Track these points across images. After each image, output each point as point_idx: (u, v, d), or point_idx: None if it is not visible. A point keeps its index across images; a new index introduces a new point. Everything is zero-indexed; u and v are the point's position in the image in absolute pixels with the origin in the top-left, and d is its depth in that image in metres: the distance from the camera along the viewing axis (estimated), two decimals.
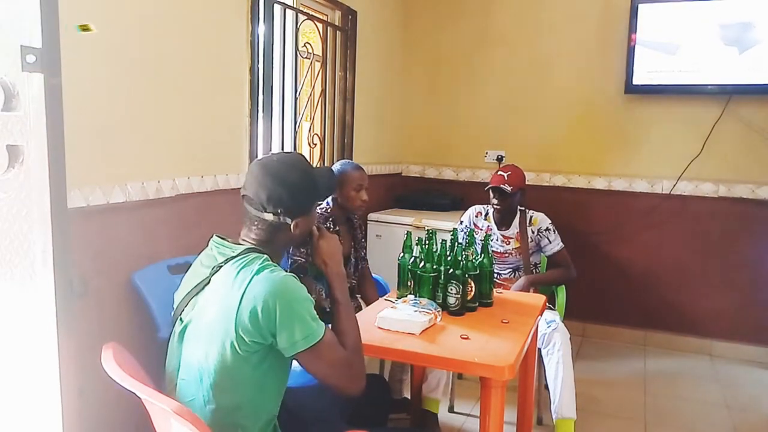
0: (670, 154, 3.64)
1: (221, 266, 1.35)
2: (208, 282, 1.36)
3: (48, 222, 1.19)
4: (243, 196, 1.45)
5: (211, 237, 1.48)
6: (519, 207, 2.86)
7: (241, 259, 1.34)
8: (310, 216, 1.48)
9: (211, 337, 1.29)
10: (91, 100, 1.81)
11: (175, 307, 1.44)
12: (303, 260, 2.25)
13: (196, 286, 1.38)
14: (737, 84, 3.39)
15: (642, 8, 3.50)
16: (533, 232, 2.81)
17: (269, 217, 1.40)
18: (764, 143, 3.45)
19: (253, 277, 1.29)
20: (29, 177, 1.19)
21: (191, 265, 1.48)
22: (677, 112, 3.62)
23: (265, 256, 1.37)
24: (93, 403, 1.65)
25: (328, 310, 1.62)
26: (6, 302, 1.26)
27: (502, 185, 2.73)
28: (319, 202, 1.49)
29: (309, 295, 1.33)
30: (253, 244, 1.42)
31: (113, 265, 1.96)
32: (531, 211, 2.87)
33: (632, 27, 3.53)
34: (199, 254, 1.49)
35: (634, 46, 3.54)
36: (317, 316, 1.33)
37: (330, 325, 1.40)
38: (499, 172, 2.80)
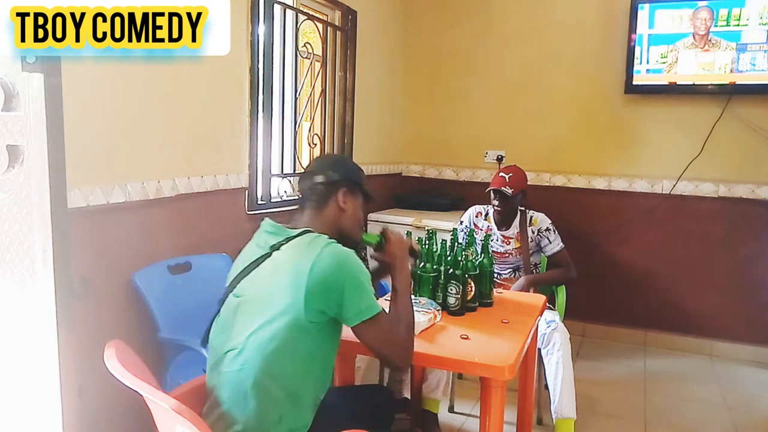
0: (670, 154, 3.64)
1: (282, 244, 1.43)
2: (267, 257, 1.42)
3: (48, 222, 1.19)
4: (300, 178, 1.59)
5: (263, 220, 1.56)
6: (519, 207, 2.85)
7: (304, 236, 1.43)
8: (356, 198, 1.59)
9: (276, 305, 1.35)
10: (91, 100, 1.81)
11: (227, 283, 1.50)
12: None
13: (253, 262, 1.44)
14: (737, 84, 3.39)
15: (642, 8, 3.50)
16: (533, 233, 2.81)
17: (319, 178, 1.53)
18: (764, 143, 3.45)
19: (322, 250, 1.37)
20: (29, 177, 1.19)
21: (243, 250, 1.56)
22: (677, 112, 3.62)
23: (326, 235, 1.45)
24: (93, 403, 1.65)
25: None
26: (6, 302, 1.26)
27: (503, 188, 2.72)
28: (365, 197, 1.65)
29: (366, 270, 1.44)
30: (306, 223, 1.51)
31: (113, 265, 1.96)
32: (531, 211, 2.86)
33: (632, 27, 3.53)
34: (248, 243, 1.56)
35: (634, 46, 3.53)
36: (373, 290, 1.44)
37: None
38: (501, 174, 2.78)
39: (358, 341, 1.58)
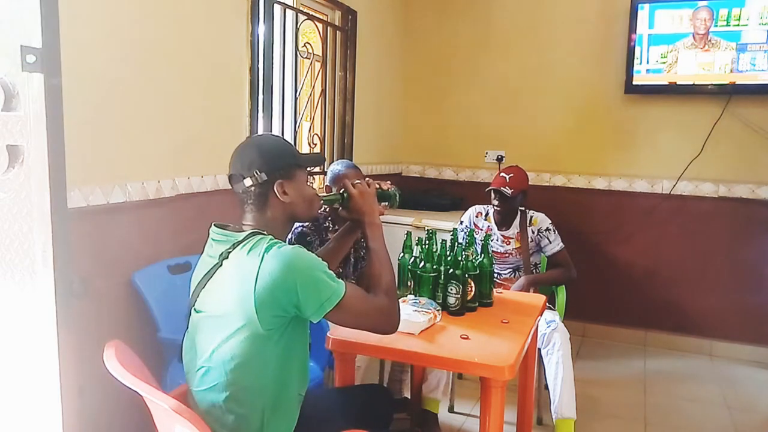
0: (670, 154, 3.64)
1: (230, 252, 1.36)
2: (219, 268, 1.36)
3: (48, 222, 1.19)
4: (229, 178, 1.46)
5: (210, 227, 1.48)
6: (520, 208, 2.85)
7: (247, 242, 1.35)
8: (296, 181, 1.45)
9: (231, 320, 1.30)
10: (91, 100, 1.81)
11: (189, 296, 1.45)
12: (306, 228, 2.26)
13: (206, 275, 1.39)
14: (737, 84, 3.39)
15: (642, 8, 3.50)
16: (533, 233, 2.81)
17: (248, 182, 1.39)
18: (764, 143, 3.45)
19: (263, 255, 1.30)
20: (29, 177, 1.19)
21: (197, 262, 1.49)
22: (677, 112, 3.62)
23: (270, 236, 1.38)
24: (93, 403, 1.65)
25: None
26: (6, 302, 1.26)
27: (503, 188, 2.73)
28: (305, 168, 1.50)
29: (318, 259, 1.36)
30: (252, 225, 1.43)
31: (113, 265, 1.96)
32: (531, 211, 2.87)
33: (632, 27, 3.53)
34: (202, 251, 1.50)
35: (633, 46, 3.54)
36: (334, 276, 1.36)
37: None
38: (502, 174, 2.79)
39: (358, 341, 1.59)
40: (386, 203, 1.74)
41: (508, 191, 2.72)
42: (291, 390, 1.40)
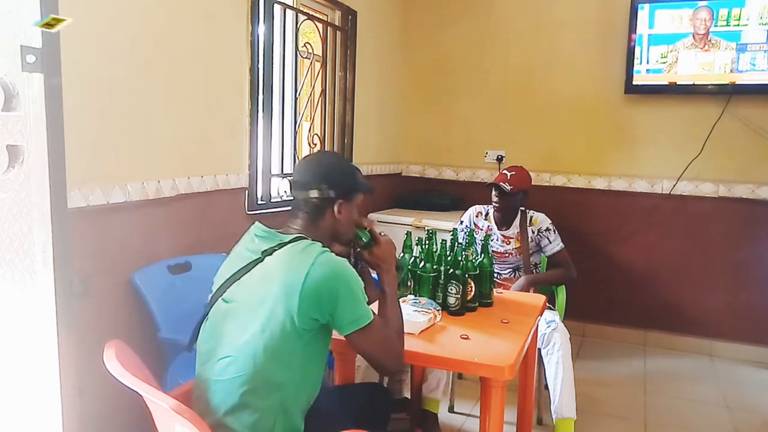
0: (670, 154, 3.64)
1: (275, 249, 1.41)
2: (259, 263, 1.41)
3: (48, 222, 1.19)
4: (292, 183, 1.54)
5: (252, 224, 1.53)
6: (520, 207, 2.85)
7: (297, 243, 1.42)
8: (352, 204, 1.56)
9: (271, 313, 1.33)
10: (91, 100, 1.81)
11: (214, 289, 1.48)
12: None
13: (243, 268, 1.42)
14: (737, 84, 3.39)
15: (642, 8, 3.50)
16: (533, 232, 2.81)
17: (314, 193, 1.49)
18: (764, 143, 3.45)
19: (316, 258, 1.36)
20: (29, 177, 1.19)
21: (231, 252, 1.54)
22: (677, 112, 3.62)
23: (320, 243, 1.44)
24: (93, 403, 1.65)
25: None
26: (6, 302, 1.26)
27: (502, 183, 2.74)
28: (361, 194, 1.60)
29: (360, 280, 1.44)
30: (299, 231, 1.49)
31: (113, 265, 1.96)
32: (531, 211, 2.87)
33: (632, 27, 3.53)
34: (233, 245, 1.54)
35: (633, 46, 3.54)
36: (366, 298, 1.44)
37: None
38: (504, 171, 2.82)
39: None
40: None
41: (507, 187, 2.72)
42: (303, 396, 1.43)
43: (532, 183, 2.92)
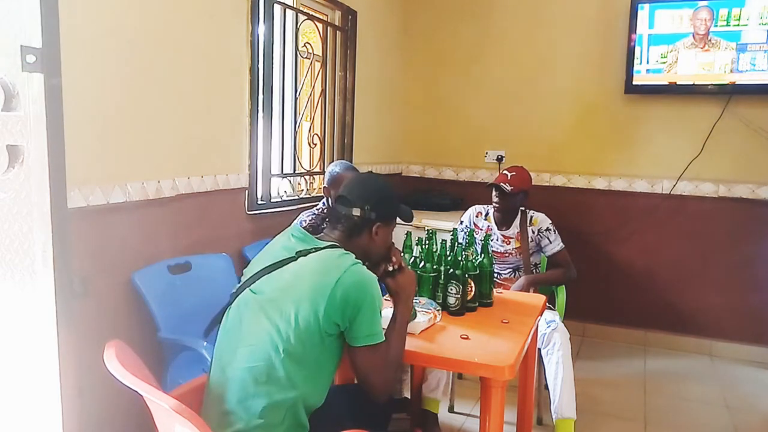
0: (670, 154, 3.64)
1: (310, 252, 1.48)
2: (292, 261, 1.47)
3: (48, 222, 1.19)
4: (338, 197, 1.61)
5: (292, 224, 1.65)
6: (520, 207, 2.85)
7: (333, 250, 1.49)
8: (389, 227, 1.64)
9: (298, 311, 1.38)
10: (91, 100, 1.81)
11: (243, 279, 1.53)
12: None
13: (276, 264, 1.48)
14: (737, 84, 3.39)
15: (642, 8, 3.50)
16: (533, 232, 2.81)
17: (357, 211, 1.56)
18: (764, 143, 3.45)
19: (350, 267, 1.43)
20: (29, 177, 1.19)
21: (267, 246, 1.61)
22: (677, 112, 3.62)
23: (353, 254, 1.51)
24: (93, 403, 1.65)
25: None
26: (6, 302, 1.26)
27: (502, 183, 2.74)
28: (399, 222, 1.70)
29: (381, 297, 1.50)
30: (334, 240, 1.56)
31: (113, 265, 1.96)
32: (531, 211, 2.87)
33: (632, 27, 3.53)
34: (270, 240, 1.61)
35: (633, 46, 3.54)
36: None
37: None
38: (505, 171, 2.82)
39: None
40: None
41: (507, 188, 2.72)
42: (313, 397, 1.45)
43: (532, 183, 2.91)
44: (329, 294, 1.38)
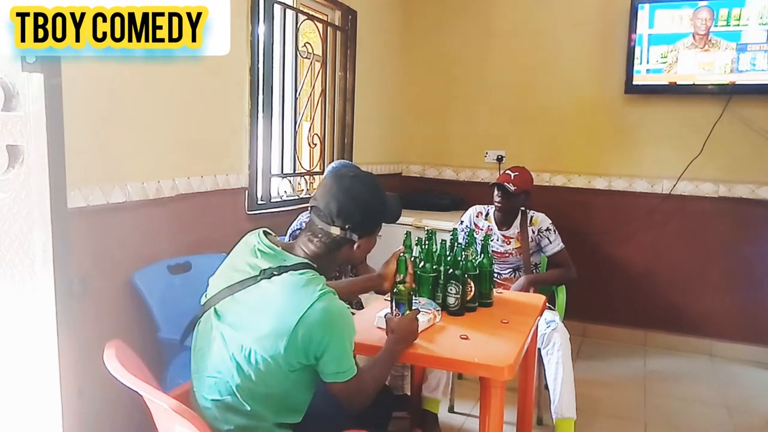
0: (671, 154, 3.64)
1: (275, 274, 1.34)
2: (256, 283, 1.35)
3: (48, 222, 1.19)
4: (311, 207, 1.45)
5: (256, 230, 1.46)
6: (521, 207, 2.85)
7: (301, 274, 1.34)
8: (373, 237, 1.50)
9: (259, 345, 1.30)
10: (91, 100, 1.81)
11: (209, 293, 1.43)
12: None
13: (239, 283, 1.36)
14: (737, 84, 3.39)
15: (642, 8, 3.50)
16: (533, 233, 2.81)
17: (336, 231, 1.40)
18: (764, 143, 3.45)
19: (315, 301, 1.30)
20: (29, 177, 1.19)
21: (231, 252, 1.49)
22: (677, 112, 3.62)
23: (323, 277, 1.38)
24: (93, 403, 1.65)
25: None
26: (6, 302, 1.26)
27: (506, 183, 2.74)
28: (386, 221, 1.54)
29: (354, 329, 1.40)
30: (308, 255, 1.42)
31: (113, 265, 1.96)
32: (531, 211, 2.87)
33: (632, 27, 3.53)
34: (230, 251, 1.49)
35: (634, 46, 3.53)
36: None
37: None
38: (507, 171, 2.82)
39: (360, 342, 1.58)
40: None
41: (511, 187, 2.72)
42: (287, 419, 1.41)
43: (533, 183, 2.91)
44: (290, 335, 1.27)
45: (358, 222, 1.41)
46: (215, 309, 1.39)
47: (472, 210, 2.96)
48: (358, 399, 1.45)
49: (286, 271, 1.34)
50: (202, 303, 1.45)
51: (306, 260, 1.39)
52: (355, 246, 1.44)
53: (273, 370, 1.31)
